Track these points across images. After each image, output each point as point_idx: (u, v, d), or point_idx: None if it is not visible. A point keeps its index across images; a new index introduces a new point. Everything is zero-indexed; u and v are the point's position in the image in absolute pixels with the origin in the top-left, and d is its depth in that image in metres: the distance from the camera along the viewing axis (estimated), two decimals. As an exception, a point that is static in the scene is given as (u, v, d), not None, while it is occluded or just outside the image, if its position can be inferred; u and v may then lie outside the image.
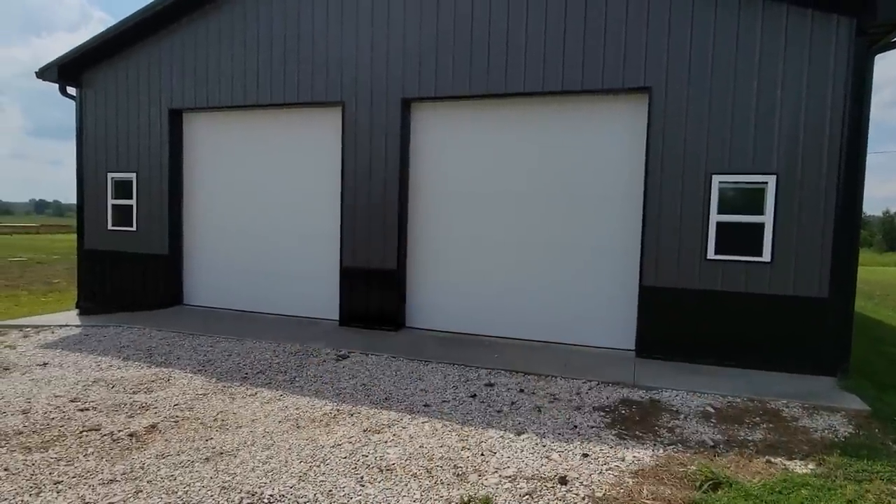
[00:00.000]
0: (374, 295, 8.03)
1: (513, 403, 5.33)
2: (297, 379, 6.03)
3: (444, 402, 5.35)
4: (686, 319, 6.71)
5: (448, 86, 7.50)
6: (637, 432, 4.69)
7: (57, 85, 9.28)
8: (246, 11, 8.51)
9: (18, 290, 12.36)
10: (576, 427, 4.77)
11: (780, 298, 6.37)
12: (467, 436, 4.53)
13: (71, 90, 9.53)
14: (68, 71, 9.26)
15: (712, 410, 5.24)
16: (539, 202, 7.48)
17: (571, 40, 6.95)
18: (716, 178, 6.52)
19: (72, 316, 9.06)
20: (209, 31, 8.74)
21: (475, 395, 5.59)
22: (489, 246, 7.74)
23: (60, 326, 8.24)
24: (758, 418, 5.07)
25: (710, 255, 6.59)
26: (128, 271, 9.43)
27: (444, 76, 7.50)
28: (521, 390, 5.76)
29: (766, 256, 6.40)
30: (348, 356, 6.88)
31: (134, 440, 4.36)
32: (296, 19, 8.23)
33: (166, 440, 4.36)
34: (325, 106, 8.23)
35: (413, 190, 8.03)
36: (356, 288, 8.11)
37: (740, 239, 6.51)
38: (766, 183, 6.35)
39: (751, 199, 6.50)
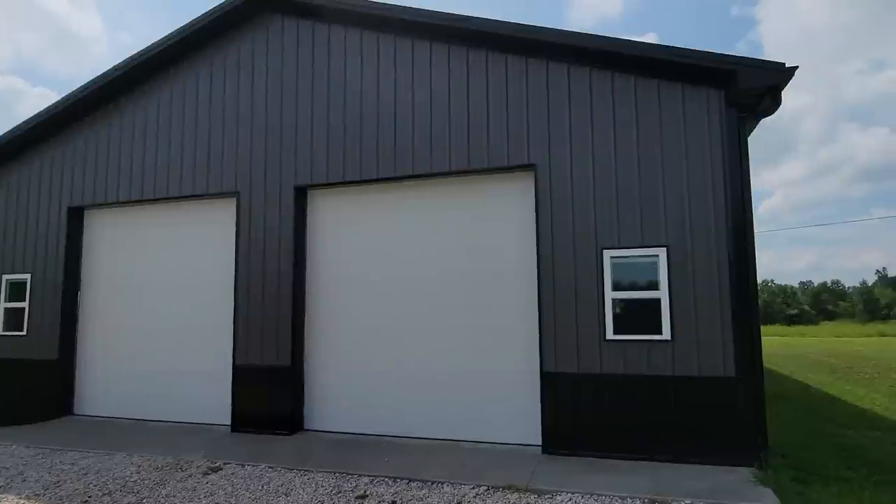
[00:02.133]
0: (268, 395, 7.35)
1: (374, 521, 4.61)
2: (144, 501, 5.25)
3: (293, 522, 4.60)
4: (592, 408, 6.11)
5: (339, 172, 7.34)
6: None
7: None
8: (147, 109, 8.49)
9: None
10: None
11: (685, 380, 5.85)
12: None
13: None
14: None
15: (602, 518, 4.55)
16: (437, 285, 7.09)
17: (456, 123, 6.89)
18: (607, 254, 6.21)
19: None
20: (111, 130, 8.67)
21: (336, 512, 4.85)
22: (390, 335, 7.22)
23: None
24: (649, 525, 4.38)
25: (609, 335, 6.13)
26: (14, 380, 8.68)
27: (336, 163, 7.35)
28: (394, 503, 5.03)
29: (666, 334, 5.95)
30: (221, 468, 6.10)
31: None
32: (194, 115, 8.20)
33: None
34: (220, 197, 8.00)
35: (311, 280, 7.63)
36: (249, 388, 7.45)
37: (639, 317, 6.10)
38: (657, 256, 6.05)
39: (645, 275, 6.16)
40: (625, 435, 5.96)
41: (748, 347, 5.70)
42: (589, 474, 5.55)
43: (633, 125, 6.25)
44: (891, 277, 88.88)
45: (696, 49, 5.93)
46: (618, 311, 6.16)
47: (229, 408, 7.55)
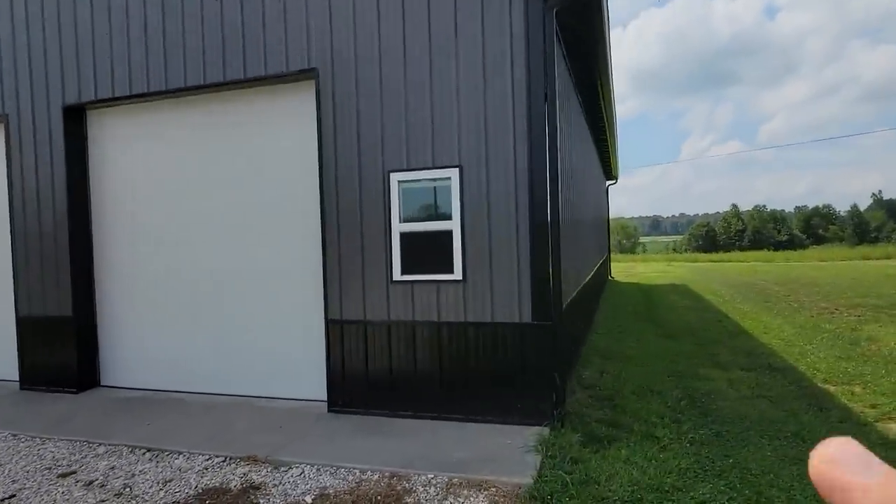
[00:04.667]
0: (53, 349, 6.48)
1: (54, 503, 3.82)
2: None
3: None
4: (381, 361, 5.22)
5: (125, 85, 6.07)
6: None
7: None
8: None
9: None
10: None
11: (478, 327, 4.91)
12: None
13: None
14: None
15: (313, 499, 3.73)
16: (225, 222, 6.03)
17: (230, 24, 5.57)
18: (394, 178, 5.10)
19: None
20: None
21: (15, 494, 4.05)
22: (184, 281, 6.24)
23: None
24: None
25: (397, 275, 5.13)
26: None
27: (120, 74, 6.07)
28: (93, 483, 4.21)
29: (458, 273, 4.95)
30: (-45, 436, 5.30)
31: None
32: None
33: None
34: None
35: (98, 218, 6.56)
36: (35, 341, 6.56)
37: (430, 253, 5.07)
38: (450, 179, 4.94)
39: (437, 203, 5.07)
40: (416, 391, 5.10)
41: (547, 289, 4.71)
42: (355, 439, 4.73)
43: (425, 21, 4.95)
44: (885, 200, 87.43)
45: None
46: (407, 246, 5.13)
47: (15, 363, 6.71)
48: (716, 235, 79.87)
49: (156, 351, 6.37)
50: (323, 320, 5.41)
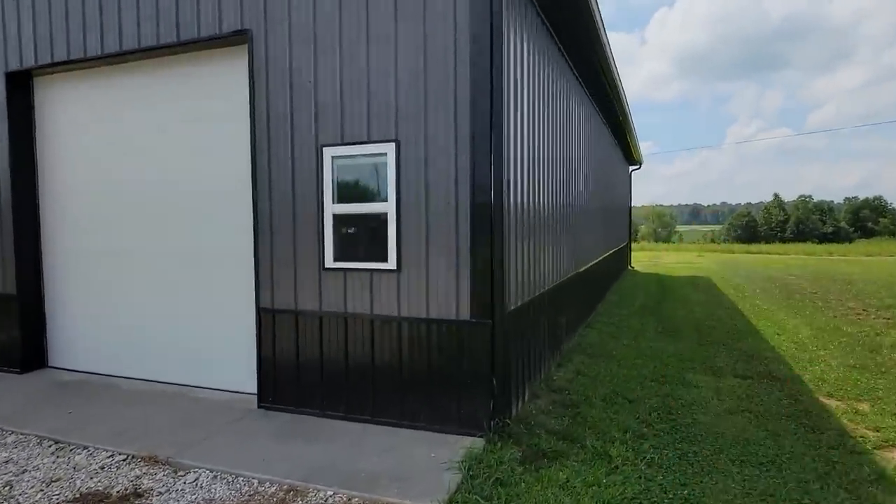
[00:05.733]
0: (1, 327, 6.26)
1: None
2: None
3: None
4: (312, 356, 4.74)
5: (63, 48, 5.70)
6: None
7: None
8: None
9: None
10: None
11: (413, 323, 4.37)
12: None
13: None
14: None
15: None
16: (162, 197, 5.62)
17: (165, -23, 5.09)
18: (328, 153, 4.56)
19: None
20: None
21: None
22: (128, 260, 5.88)
23: None
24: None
25: (329, 262, 4.62)
26: None
27: (58, 36, 5.69)
28: (-28, 477, 3.90)
29: (392, 262, 4.40)
30: None
31: None
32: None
33: None
34: None
35: (47, 191, 6.25)
36: (-18, 319, 6.36)
37: (365, 239, 4.54)
38: (385, 155, 4.37)
39: (372, 182, 4.52)
40: (349, 391, 4.62)
41: (487, 284, 4.12)
42: (272, 442, 4.28)
43: (366, -34, 4.36)
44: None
45: None
46: (341, 230, 4.61)
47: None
48: (757, 226, 76.59)
49: (99, 333, 6.07)
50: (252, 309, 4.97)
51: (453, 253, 4.20)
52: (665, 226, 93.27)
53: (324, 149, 4.55)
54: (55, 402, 5.31)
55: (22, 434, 4.62)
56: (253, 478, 3.74)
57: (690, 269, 21.37)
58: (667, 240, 73.82)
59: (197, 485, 3.71)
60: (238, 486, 3.69)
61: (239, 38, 4.87)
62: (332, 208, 4.57)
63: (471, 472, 3.64)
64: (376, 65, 4.35)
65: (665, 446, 4.29)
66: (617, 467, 3.92)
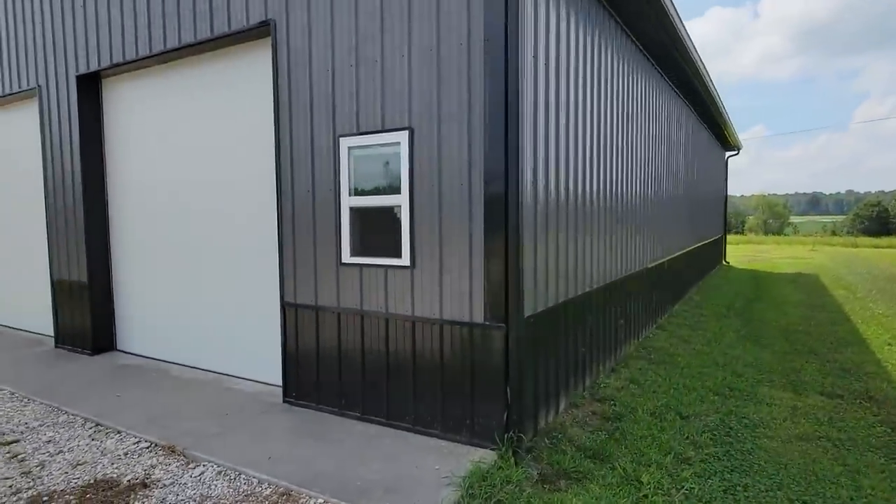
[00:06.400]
0: (74, 313, 6.79)
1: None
2: None
3: None
4: (331, 352, 4.63)
5: (133, 48, 6.02)
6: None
7: None
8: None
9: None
10: None
11: (427, 324, 4.09)
12: None
13: None
14: None
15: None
16: (204, 192, 5.76)
17: (200, -27, 5.16)
18: (344, 144, 4.38)
19: None
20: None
21: (-50, 458, 4.13)
22: (179, 252, 6.13)
23: None
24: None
25: (346, 257, 4.46)
26: None
27: (129, 37, 6.01)
28: (17, 456, 4.17)
29: (406, 258, 4.15)
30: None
31: None
32: None
33: None
34: (20, 98, 7.22)
35: (114, 188, 6.67)
36: (63, 304, 6.93)
37: (378, 232, 4.33)
38: (399, 144, 4.12)
39: (386, 172, 4.28)
40: (365, 390, 4.46)
41: (503, 282, 3.75)
42: (286, 439, 4.22)
43: (381, -56, 4.10)
44: None
45: None
46: (358, 224, 4.43)
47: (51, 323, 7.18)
48: (889, 217, 67.74)
49: (156, 320, 6.40)
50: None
51: (466, 248, 3.87)
52: (777, 216, 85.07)
53: (340, 139, 4.38)
54: (110, 385, 5.65)
55: (72, 414, 4.93)
56: (254, 477, 3.68)
57: (797, 265, 19.20)
58: (779, 232, 67.33)
59: (200, 480, 3.71)
60: (238, 484, 3.64)
61: (263, 29, 4.82)
62: (348, 201, 4.40)
63: (470, 491, 3.33)
64: (391, 38, 4.09)
65: (710, 475, 3.71)
66: (647, 496, 3.43)
